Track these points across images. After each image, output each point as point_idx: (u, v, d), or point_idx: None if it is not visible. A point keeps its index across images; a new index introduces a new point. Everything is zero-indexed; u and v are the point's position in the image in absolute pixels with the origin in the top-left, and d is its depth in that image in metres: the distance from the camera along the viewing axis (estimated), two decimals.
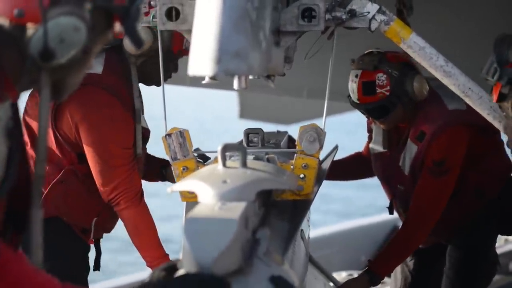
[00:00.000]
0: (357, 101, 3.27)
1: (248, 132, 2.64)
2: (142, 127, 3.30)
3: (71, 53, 1.53)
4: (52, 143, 3.22)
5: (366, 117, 3.42)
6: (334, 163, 2.83)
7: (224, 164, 1.97)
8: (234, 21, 1.74)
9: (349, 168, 3.76)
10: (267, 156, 2.45)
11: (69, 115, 3.13)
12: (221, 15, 1.73)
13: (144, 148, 3.39)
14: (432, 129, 3.19)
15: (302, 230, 2.66)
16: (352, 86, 3.25)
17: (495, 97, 1.88)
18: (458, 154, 3.21)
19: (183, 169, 2.45)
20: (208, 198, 1.81)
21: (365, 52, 3.30)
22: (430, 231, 3.35)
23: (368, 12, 2.45)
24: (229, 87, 2.17)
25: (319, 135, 2.42)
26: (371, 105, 3.26)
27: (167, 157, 2.56)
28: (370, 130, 3.56)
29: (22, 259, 1.58)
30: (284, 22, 2.35)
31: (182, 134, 2.46)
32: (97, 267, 3.51)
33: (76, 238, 3.34)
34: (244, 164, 1.98)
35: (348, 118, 3.52)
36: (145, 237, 3.24)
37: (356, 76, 3.25)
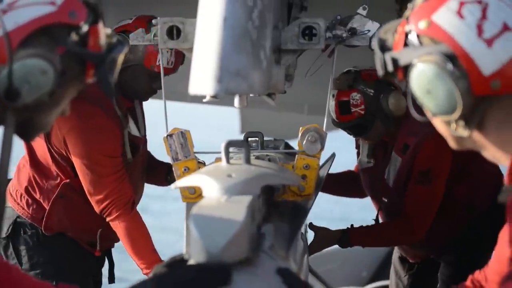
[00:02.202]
0: (336, 120, 3.31)
1: (248, 136, 2.64)
2: (134, 136, 3.32)
3: (36, 95, 1.53)
4: (48, 158, 3.25)
5: (348, 133, 3.45)
6: (327, 176, 2.86)
7: (227, 161, 1.97)
8: (234, 40, 1.74)
9: (340, 183, 3.78)
10: (268, 157, 2.46)
11: (57, 128, 3.15)
12: (221, 34, 1.74)
13: (140, 156, 3.40)
14: (414, 141, 3.22)
15: (301, 232, 2.65)
16: (331, 106, 3.30)
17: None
18: (443, 163, 3.23)
19: (184, 169, 2.44)
20: (213, 192, 1.80)
21: (344, 71, 3.34)
22: (420, 243, 3.37)
23: (369, 30, 2.46)
24: (230, 103, 2.18)
25: (320, 136, 2.42)
26: (348, 124, 3.32)
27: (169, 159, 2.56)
28: (358, 146, 3.61)
29: (11, 266, 1.59)
30: (285, 41, 2.36)
31: (184, 135, 2.45)
32: (111, 279, 3.52)
33: (84, 253, 3.35)
34: (247, 161, 1.98)
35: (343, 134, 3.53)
36: (139, 244, 3.25)
37: (333, 96, 3.30)
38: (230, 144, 1.98)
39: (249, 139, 2.67)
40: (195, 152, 2.47)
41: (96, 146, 3.18)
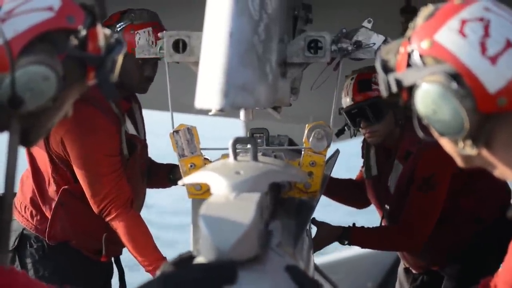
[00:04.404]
0: (352, 102, 3.29)
1: (253, 132, 2.63)
2: (131, 134, 3.32)
3: (40, 102, 1.55)
4: (47, 165, 3.25)
5: (356, 125, 3.39)
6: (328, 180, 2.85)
7: (235, 157, 1.97)
8: (240, 54, 1.74)
9: (341, 188, 3.79)
10: (274, 153, 2.47)
11: (55, 131, 3.15)
12: (227, 48, 1.74)
13: (139, 156, 3.39)
14: (417, 148, 3.22)
15: (306, 229, 2.65)
16: (347, 89, 3.31)
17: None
18: (445, 170, 3.23)
19: (190, 166, 2.45)
20: (221, 189, 1.80)
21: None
22: (424, 253, 3.36)
23: (374, 43, 2.47)
24: (235, 115, 2.19)
25: (327, 133, 2.42)
26: (365, 102, 3.29)
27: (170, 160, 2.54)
28: (363, 155, 3.61)
29: (17, 272, 1.60)
30: (291, 54, 2.37)
31: (190, 131, 2.46)
32: (123, 286, 3.52)
33: (89, 264, 3.34)
34: (255, 157, 1.98)
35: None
36: (140, 242, 3.25)
37: (352, 79, 3.31)
38: (237, 141, 1.99)
39: (254, 135, 2.66)
40: (201, 149, 2.47)
41: (94, 146, 3.18)
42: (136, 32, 3.18)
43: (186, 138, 2.45)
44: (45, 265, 3.28)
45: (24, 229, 3.31)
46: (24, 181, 3.37)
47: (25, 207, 3.31)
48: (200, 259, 1.56)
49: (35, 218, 3.30)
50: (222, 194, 1.78)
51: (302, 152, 2.44)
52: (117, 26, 3.19)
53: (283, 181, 2.27)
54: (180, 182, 2.23)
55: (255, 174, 1.87)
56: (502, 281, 1.75)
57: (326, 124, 2.44)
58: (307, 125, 2.44)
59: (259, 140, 2.66)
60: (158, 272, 1.57)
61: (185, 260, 1.60)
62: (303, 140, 2.44)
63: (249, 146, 2.08)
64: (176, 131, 2.45)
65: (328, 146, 2.43)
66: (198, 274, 1.47)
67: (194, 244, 2.29)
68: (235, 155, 1.98)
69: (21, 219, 3.31)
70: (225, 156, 2.22)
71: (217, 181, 1.84)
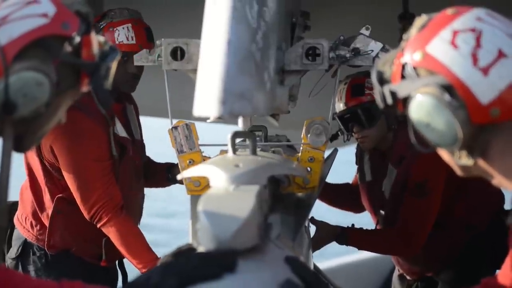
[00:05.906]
0: (345, 107, 3.29)
1: (252, 129, 2.64)
2: (120, 136, 3.30)
3: (33, 107, 1.55)
4: (41, 173, 3.23)
5: (349, 130, 3.38)
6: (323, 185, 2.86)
7: (234, 151, 1.98)
8: (238, 62, 1.75)
9: (336, 193, 3.79)
10: (272, 149, 2.48)
11: (45, 138, 3.13)
12: (225, 56, 1.74)
13: (130, 158, 3.36)
14: (410, 152, 3.22)
15: (305, 226, 2.66)
16: (340, 95, 3.30)
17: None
18: (439, 175, 3.23)
19: (189, 162, 2.46)
20: (221, 182, 1.81)
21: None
22: (418, 259, 3.37)
23: (372, 51, 2.47)
24: (234, 123, 2.19)
25: (325, 128, 2.42)
26: (358, 107, 3.29)
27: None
28: (357, 161, 3.62)
29: (9, 270, 1.60)
30: (289, 62, 2.38)
31: (189, 127, 2.47)
32: None
33: (91, 270, 3.33)
34: (254, 151, 2.00)
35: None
36: (133, 245, 3.23)
37: (345, 83, 3.31)
38: (236, 134, 1.99)
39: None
40: (200, 145, 2.47)
41: (82, 151, 3.17)
42: (115, 29, 3.18)
43: (184, 134, 2.46)
44: (48, 273, 3.27)
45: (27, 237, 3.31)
46: (24, 191, 3.36)
47: (26, 217, 3.31)
48: (200, 250, 1.57)
49: (35, 229, 3.29)
50: (221, 186, 1.80)
51: (301, 148, 2.44)
52: (98, 25, 3.17)
53: (282, 176, 2.28)
54: (179, 176, 2.23)
55: (254, 167, 1.88)
56: (501, 282, 1.75)
57: (324, 119, 2.44)
58: (305, 120, 2.45)
59: (257, 138, 2.66)
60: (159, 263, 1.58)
61: (184, 252, 1.61)
62: (302, 136, 2.45)
63: (248, 141, 2.08)
64: (175, 127, 2.47)
65: (327, 142, 2.44)
66: (198, 262, 1.49)
67: (193, 239, 2.30)
68: (234, 148, 1.98)
69: (22, 230, 3.31)
70: (224, 152, 2.23)
71: (216, 173, 1.86)
